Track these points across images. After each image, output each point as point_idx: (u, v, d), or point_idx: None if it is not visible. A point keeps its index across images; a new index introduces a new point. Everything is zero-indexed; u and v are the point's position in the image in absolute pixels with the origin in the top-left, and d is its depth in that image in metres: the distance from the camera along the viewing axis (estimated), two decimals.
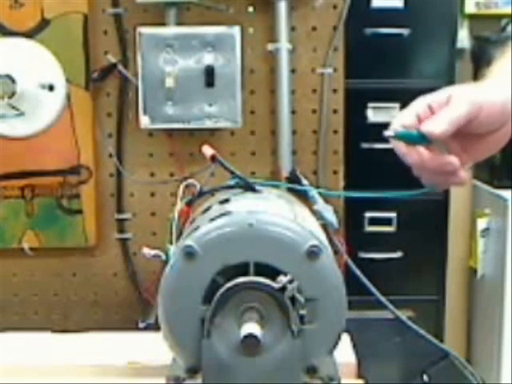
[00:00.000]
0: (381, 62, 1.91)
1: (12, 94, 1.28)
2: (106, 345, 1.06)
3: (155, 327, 0.82)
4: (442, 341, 0.90)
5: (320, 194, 0.88)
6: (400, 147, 0.79)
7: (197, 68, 1.27)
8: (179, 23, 1.30)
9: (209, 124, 1.29)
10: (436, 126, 0.77)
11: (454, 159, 0.77)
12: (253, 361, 0.76)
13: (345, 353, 0.96)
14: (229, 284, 0.76)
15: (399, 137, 0.80)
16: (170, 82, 1.27)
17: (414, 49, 1.94)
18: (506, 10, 2.28)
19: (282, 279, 0.75)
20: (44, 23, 1.29)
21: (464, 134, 0.78)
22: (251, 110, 1.34)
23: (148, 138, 1.35)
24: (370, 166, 1.96)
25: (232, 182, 0.89)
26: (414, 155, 0.79)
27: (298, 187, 0.93)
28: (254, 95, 1.34)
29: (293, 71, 1.32)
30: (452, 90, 0.78)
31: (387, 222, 2.08)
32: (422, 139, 0.78)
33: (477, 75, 2.06)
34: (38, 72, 1.29)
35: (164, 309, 0.78)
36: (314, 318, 0.77)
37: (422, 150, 0.78)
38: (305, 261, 0.76)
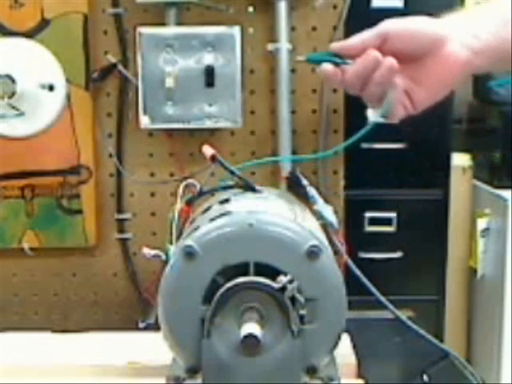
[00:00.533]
0: None
1: (12, 94, 1.28)
2: (105, 345, 1.06)
3: (155, 327, 0.82)
4: (442, 341, 0.90)
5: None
6: (325, 69, 0.83)
7: (197, 68, 1.27)
8: (179, 23, 1.30)
9: (209, 124, 1.29)
10: (342, 42, 0.82)
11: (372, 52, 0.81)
12: (253, 361, 0.76)
13: (345, 353, 0.96)
14: (229, 284, 0.76)
15: (312, 60, 0.83)
16: (169, 82, 1.27)
17: None
18: None
19: (282, 279, 0.75)
20: (44, 23, 1.29)
21: (398, 61, 0.81)
22: (251, 110, 1.34)
23: (148, 137, 1.35)
24: (369, 166, 1.96)
25: (228, 182, 0.89)
26: (337, 71, 0.83)
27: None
28: (253, 95, 1.34)
29: (293, 71, 1.32)
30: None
31: (387, 221, 2.08)
32: (333, 58, 0.82)
33: (477, 74, 2.06)
34: (38, 72, 1.29)
35: (164, 309, 0.78)
36: (314, 318, 0.77)
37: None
38: (305, 261, 0.76)
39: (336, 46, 0.83)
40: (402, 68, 0.82)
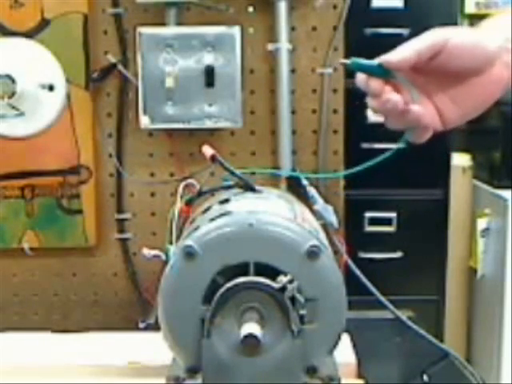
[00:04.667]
0: None
1: (12, 94, 1.28)
2: (106, 345, 1.06)
3: (155, 327, 0.82)
4: (442, 341, 0.90)
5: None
6: (361, 77, 0.75)
7: (197, 68, 1.27)
8: (179, 23, 1.30)
9: (209, 124, 1.29)
10: (393, 55, 0.73)
11: (394, 96, 0.74)
12: (253, 361, 0.76)
13: (345, 353, 0.97)
14: (229, 284, 0.76)
15: (356, 66, 0.75)
16: (170, 82, 1.27)
17: None
18: (506, 10, 2.28)
19: (282, 279, 0.75)
20: (44, 23, 1.29)
21: (438, 76, 0.76)
22: (251, 110, 1.34)
23: (148, 137, 1.35)
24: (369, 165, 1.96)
25: (228, 182, 0.89)
26: (375, 82, 0.75)
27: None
28: (254, 95, 1.34)
29: (293, 71, 1.32)
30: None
31: (387, 222, 2.08)
32: (380, 71, 0.74)
33: None
34: (38, 72, 1.29)
35: (164, 309, 0.79)
36: (314, 318, 0.77)
37: (386, 87, 0.75)
38: (305, 261, 0.76)
39: (388, 59, 0.74)
40: (442, 83, 0.76)
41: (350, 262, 0.83)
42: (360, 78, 0.76)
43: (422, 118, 0.76)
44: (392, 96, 0.74)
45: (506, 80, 0.77)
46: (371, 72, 0.75)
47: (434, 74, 0.76)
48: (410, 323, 0.86)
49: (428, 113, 0.77)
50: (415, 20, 1.97)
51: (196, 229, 0.79)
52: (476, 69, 0.75)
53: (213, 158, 0.87)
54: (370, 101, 0.76)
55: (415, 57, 0.73)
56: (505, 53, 0.76)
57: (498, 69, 0.76)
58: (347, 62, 0.75)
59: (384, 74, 0.74)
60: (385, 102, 0.74)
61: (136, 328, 1.32)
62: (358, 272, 0.82)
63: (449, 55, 0.74)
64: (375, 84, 0.75)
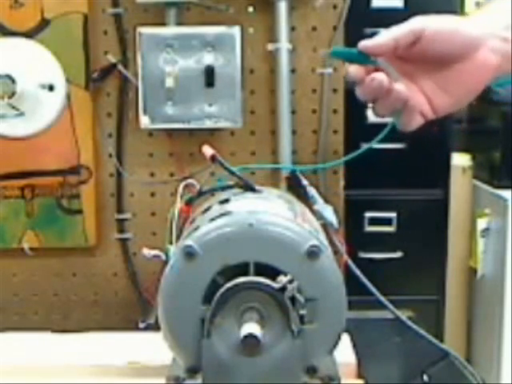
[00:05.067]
0: None
1: (12, 94, 1.28)
2: (105, 345, 1.06)
3: (155, 327, 0.82)
4: (442, 341, 0.90)
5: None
6: (351, 68, 0.77)
7: (197, 68, 1.27)
8: (179, 23, 1.30)
9: (209, 124, 1.29)
10: (371, 40, 0.75)
11: (379, 75, 0.75)
12: (253, 361, 0.76)
13: (345, 353, 0.97)
14: (229, 284, 0.76)
15: (336, 54, 0.78)
16: (170, 82, 1.27)
17: None
18: None
19: (282, 279, 0.75)
20: (44, 23, 1.29)
21: (420, 62, 0.77)
22: (251, 109, 1.34)
23: (148, 137, 1.35)
24: (370, 165, 1.96)
25: (222, 182, 0.89)
26: (354, 69, 0.76)
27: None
28: (254, 95, 1.34)
29: (293, 71, 1.32)
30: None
31: (387, 221, 2.08)
32: (360, 57, 0.75)
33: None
34: (38, 72, 1.29)
35: (164, 309, 0.79)
36: (314, 318, 0.77)
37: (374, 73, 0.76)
38: (305, 261, 0.76)
39: (365, 44, 0.76)
40: (428, 71, 0.77)
41: (350, 262, 0.83)
42: (348, 71, 0.77)
43: (407, 97, 0.77)
44: (377, 75, 0.76)
45: (495, 64, 0.77)
46: (352, 59, 0.76)
47: (418, 61, 0.77)
48: (410, 323, 0.86)
49: (414, 96, 0.78)
50: None
51: (196, 229, 0.79)
52: (457, 54, 0.77)
53: (213, 158, 0.87)
54: (357, 90, 0.78)
55: (392, 42, 0.75)
56: (493, 38, 0.77)
57: (482, 54, 0.77)
58: (327, 52, 0.77)
59: (363, 60, 0.76)
60: (370, 81, 0.76)
61: (136, 328, 1.32)
62: (358, 272, 0.82)
63: (427, 41, 0.75)
64: (357, 70, 0.77)
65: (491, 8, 0.81)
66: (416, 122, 0.79)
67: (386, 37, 0.76)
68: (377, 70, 0.76)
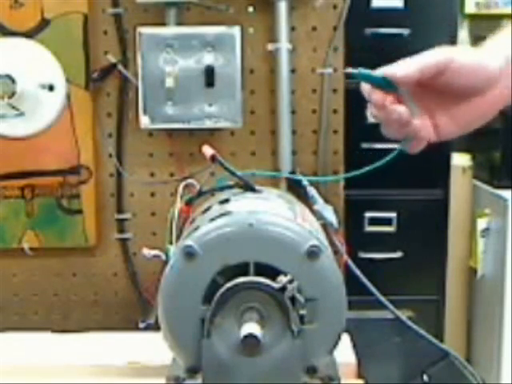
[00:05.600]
0: (381, 62, 1.91)
1: (12, 94, 1.28)
2: (106, 345, 1.06)
3: (155, 327, 0.82)
4: (442, 341, 0.90)
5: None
6: (366, 87, 0.78)
7: (197, 68, 1.27)
8: (179, 23, 1.30)
9: (209, 124, 1.29)
10: (398, 69, 0.75)
11: (400, 108, 0.76)
12: (253, 361, 0.76)
13: (345, 353, 0.97)
14: (229, 284, 0.76)
15: (362, 77, 0.78)
16: (170, 82, 1.27)
17: (414, 49, 1.94)
18: (506, 10, 2.28)
19: (282, 279, 0.75)
20: (44, 23, 1.29)
21: (440, 94, 0.77)
22: (251, 109, 1.34)
23: (148, 137, 1.35)
24: (369, 166, 1.96)
25: (222, 183, 0.89)
26: (377, 94, 0.77)
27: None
28: (254, 95, 1.34)
29: (293, 71, 1.32)
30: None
31: (387, 222, 2.09)
32: (385, 83, 0.76)
33: None
34: (38, 72, 1.29)
35: (164, 309, 0.79)
36: (314, 318, 0.77)
37: (389, 97, 0.77)
38: (305, 261, 0.76)
39: (394, 73, 0.76)
40: (445, 102, 0.78)
41: (350, 262, 0.83)
42: (364, 87, 0.78)
43: (420, 131, 0.78)
44: (398, 107, 0.76)
45: (506, 99, 0.78)
46: (375, 83, 0.77)
47: (437, 91, 0.77)
48: (409, 323, 0.86)
49: (425, 126, 0.79)
50: (415, 20, 1.97)
51: (196, 229, 0.79)
52: (478, 89, 0.77)
53: (213, 158, 0.87)
54: (371, 109, 0.78)
55: (419, 74, 0.75)
56: (505, 77, 0.77)
57: (500, 90, 0.77)
58: (354, 71, 0.77)
59: (387, 86, 0.76)
60: (390, 112, 0.76)
61: (136, 328, 1.32)
62: (357, 272, 0.82)
63: (452, 74, 0.75)
64: (378, 96, 0.77)
65: (497, 41, 0.81)
66: (421, 146, 0.81)
67: (412, 67, 0.76)
68: (399, 100, 0.77)
